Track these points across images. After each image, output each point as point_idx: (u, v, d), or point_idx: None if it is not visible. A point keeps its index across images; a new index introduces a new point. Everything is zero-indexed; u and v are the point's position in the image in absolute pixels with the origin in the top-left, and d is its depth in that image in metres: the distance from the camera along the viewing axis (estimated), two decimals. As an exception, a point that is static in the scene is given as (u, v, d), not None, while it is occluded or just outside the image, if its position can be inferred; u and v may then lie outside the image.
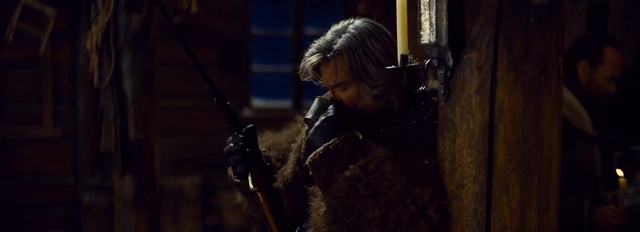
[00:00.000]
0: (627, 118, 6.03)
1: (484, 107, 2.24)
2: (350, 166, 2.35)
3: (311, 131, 2.49)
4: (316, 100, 2.57)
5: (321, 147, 2.41)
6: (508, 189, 2.24)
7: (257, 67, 7.07)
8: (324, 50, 2.51)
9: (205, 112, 6.37)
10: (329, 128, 2.46)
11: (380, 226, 2.29)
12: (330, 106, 2.52)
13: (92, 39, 4.75)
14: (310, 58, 2.53)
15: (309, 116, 2.56)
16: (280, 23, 7.18)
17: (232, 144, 2.63)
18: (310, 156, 2.42)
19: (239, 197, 2.88)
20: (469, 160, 2.26)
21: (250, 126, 2.69)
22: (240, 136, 2.64)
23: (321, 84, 2.62)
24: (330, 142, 2.40)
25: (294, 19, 7.19)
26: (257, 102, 7.02)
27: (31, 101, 6.27)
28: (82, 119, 6.21)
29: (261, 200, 2.66)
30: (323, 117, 2.49)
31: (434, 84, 2.49)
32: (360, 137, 2.48)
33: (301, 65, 2.57)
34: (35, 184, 6.30)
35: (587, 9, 6.05)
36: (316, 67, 2.55)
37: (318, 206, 2.41)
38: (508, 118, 2.23)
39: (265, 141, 2.80)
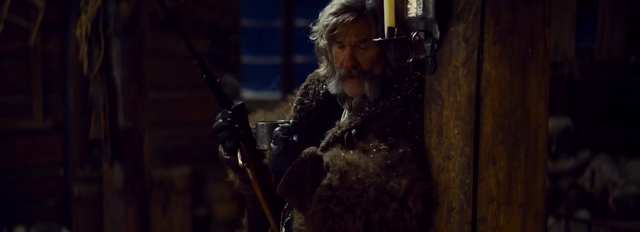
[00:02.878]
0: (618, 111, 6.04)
1: (471, 79, 2.24)
2: (316, 189, 2.33)
3: (272, 159, 2.48)
4: (258, 127, 2.59)
5: (284, 176, 2.39)
6: (495, 161, 2.24)
7: (246, 59, 7.08)
8: (358, 8, 2.51)
9: (196, 104, 6.35)
10: (286, 152, 2.45)
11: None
12: (276, 129, 2.52)
13: (81, 27, 4.76)
14: (343, 16, 2.51)
15: (263, 146, 2.57)
16: (270, 15, 7.18)
17: (221, 120, 2.62)
18: (278, 187, 2.41)
19: (231, 175, 2.88)
20: (456, 132, 2.27)
21: (239, 102, 2.69)
22: (229, 112, 2.64)
23: (322, 60, 2.63)
24: (289, 168, 2.39)
25: (284, 11, 7.19)
26: (247, 94, 7.03)
27: (21, 93, 6.25)
28: (72, 110, 6.20)
29: (250, 176, 2.66)
30: (274, 143, 2.49)
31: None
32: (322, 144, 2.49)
33: (322, 24, 2.56)
34: (25, 175, 6.29)
35: (577, 0, 6.07)
36: (333, 29, 2.54)
37: (302, 223, 2.43)
38: (495, 90, 2.23)
39: (257, 119, 2.80)
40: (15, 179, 6.29)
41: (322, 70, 2.70)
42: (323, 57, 2.66)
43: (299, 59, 6.87)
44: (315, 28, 2.62)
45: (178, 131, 6.31)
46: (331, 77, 2.62)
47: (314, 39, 2.63)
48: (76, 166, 6.16)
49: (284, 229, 2.66)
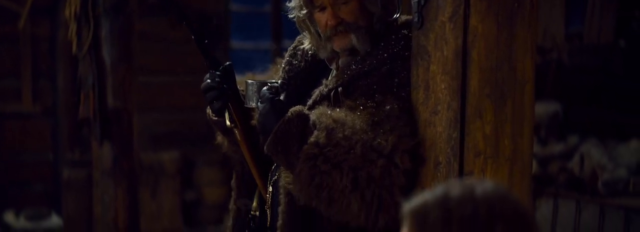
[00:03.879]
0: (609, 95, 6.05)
1: (458, 33, 2.25)
2: (303, 147, 2.34)
3: (259, 119, 2.48)
4: (247, 85, 2.60)
5: (271, 135, 2.40)
6: (481, 115, 2.25)
7: (236, 44, 7.07)
8: None
9: (185, 88, 6.37)
10: (273, 111, 2.45)
11: (353, 189, 2.30)
12: (264, 88, 2.52)
13: (70, 7, 4.74)
14: None
15: (251, 104, 2.58)
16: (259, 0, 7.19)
17: (208, 81, 2.63)
18: (265, 146, 2.42)
19: (219, 138, 2.89)
20: (443, 86, 2.28)
21: (227, 63, 2.69)
22: (218, 73, 2.64)
23: (306, 34, 2.64)
24: (276, 127, 2.39)
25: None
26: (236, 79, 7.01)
27: (10, 77, 6.24)
28: (61, 94, 6.20)
29: (238, 136, 2.67)
30: (261, 102, 2.49)
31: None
32: (312, 100, 2.49)
33: None
34: (14, 160, 6.27)
35: (567, -15, 6.08)
36: None
37: (290, 181, 2.43)
38: (481, 44, 2.24)
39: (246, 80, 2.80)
40: (4, 164, 6.28)
41: (307, 44, 2.70)
42: (306, 31, 2.66)
43: (288, 44, 6.83)
44: (291, 4, 2.63)
45: (167, 115, 6.32)
46: (318, 47, 2.62)
47: (292, 15, 2.64)
48: (66, 150, 6.15)
49: (271, 188, 2.66)
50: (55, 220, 6.14)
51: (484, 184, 1.52)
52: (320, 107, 2.43)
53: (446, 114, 2.27)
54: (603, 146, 5.81)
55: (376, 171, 2.29)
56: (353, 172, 2.29)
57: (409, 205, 1.53)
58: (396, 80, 2.44)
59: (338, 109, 2.40)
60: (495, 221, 1.47)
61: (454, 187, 1.52)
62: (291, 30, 2.77)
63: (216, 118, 2.70)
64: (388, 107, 2.37)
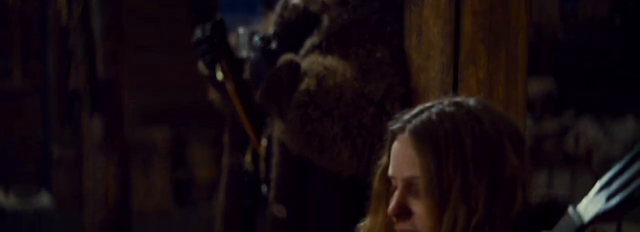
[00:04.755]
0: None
1: (451, -23, 2.21)
2: (294, 95, 2.32)
3: (251, 69, 2.47)
4: (239, 35, 2.59)
5: (262, 84, 2.38)
6: (475, 60, 2.21)
7: (227, 19, 7.00)
8: None
9: (177, 66, 6.30)
10: (264, 60, 2.42)
11: (344, 137, 2.28)
12: (255, 36, 2.50)
13: (60, -23, 4.70)
14: None
15: (243, 53, 2.57)
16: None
17: (199, 34, 2.61)
18: (257, 95, 2.40)
19: (211, 94, 2.86)
20: (436, 31, 2.23)
21: (218, 17, 2.67)
22: (209, 26, 2.61)
23: None
24: (268, 75, 2.37)
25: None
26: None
27: (0, 55, 6.20)
28: (52, 72, 6.15)
29: (229, 90, 2.64)
30: (253, 51, 2.47)
31: None
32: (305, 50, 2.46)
33: None
34: (4, 138, 6.22)
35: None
36: None
37: (283, 130, 2.40)
38: (475, -13, 2.19)
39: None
40: (-5, 143, 6.24)
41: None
42: None
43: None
44: None
45: (159, 94, 6.27)
46: (309, 0, 2.59)
47: None
48: (56, 128, 6.10)
49: (265, 141, 2.63)
50: (45, 198, 6.10)
51: (469, 99, 1.51)
52: (312, 55, 2.39)
53: (439, 59, 2.23)
54: (598, 123, 5.78)
55: (367, 118, 2.26)
56: (344, 120, 2.27)
57: (409, 125, 1.49)
58: (388, 28, 2.40)
59: (329, 57, 2.36)
60: (501, 130, 1.45)
61: (446, 104, 1.49)
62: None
63: (208, 72, 2.67)
64: (379, 55, 2.35)
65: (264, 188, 2.63)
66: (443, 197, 1.41)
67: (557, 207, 1.40)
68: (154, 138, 6.03)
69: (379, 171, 1.58)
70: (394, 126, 1.53)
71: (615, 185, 1.17)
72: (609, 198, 1.17)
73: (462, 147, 1.42)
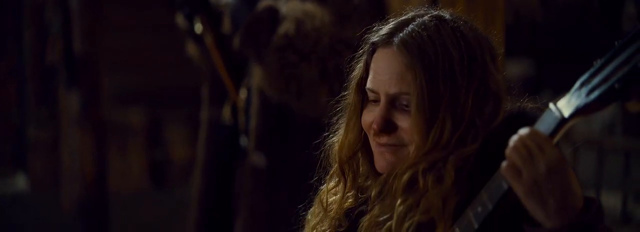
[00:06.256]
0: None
1: None
2: (273, 38, 2.32)
3: (230, 13, 2.51)
4: None
5: (241, 28, 2.40)
6: (454, 3, 2.19)
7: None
8: None
9: (153, 47, 6.27)
10: (244, 5, 2.46)
11: (322, 82, 2.28)
12: None
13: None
14: None
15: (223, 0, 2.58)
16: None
17: None
18: (237, 39, 2.41)
19: (190, 49, 2.85)
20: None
21: None
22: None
23: None
24: (247, 20, 2.39)
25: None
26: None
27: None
28: (27, 54, 6.09)
29: (208, 43, 2.63)
30: None
31: None
32: None
33: None
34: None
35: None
36: None
37: (262, 76, 2.39)
38: None
39: None
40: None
41: None
42: None
43: None
44: None
45: (135, 74, 6.23)
46: None
47: None
48: (32, 108, 6.05)
49: (244, 92, 2.61)
50: (21, 179, 6.06)
51: (446, 12, 1.48)
52: (291, 1, 2.38)
53: (418, 1, 2.21)
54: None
55: (344, 63, 2.25)
56: (321, 63, 2.27)
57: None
58: None
59: (308, 3, 2.36)
60: (482, 44, 1.43)
61: (427, 19, 1.46)
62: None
63: (187, 25, 2.66)
64: (356, 1, 2.35)
65: (243, 140, 2.61)
66: (433, 112, 1.39)
67: (529, 117, 1.39)
68: (130, 119, 6.01)
69: (353, 83, 1.55)
70: (376, 38, 1.50)
71: (595, 80, 1.16)
72: (589, 93, 1.16)
73: (451, 63, 1.40)
